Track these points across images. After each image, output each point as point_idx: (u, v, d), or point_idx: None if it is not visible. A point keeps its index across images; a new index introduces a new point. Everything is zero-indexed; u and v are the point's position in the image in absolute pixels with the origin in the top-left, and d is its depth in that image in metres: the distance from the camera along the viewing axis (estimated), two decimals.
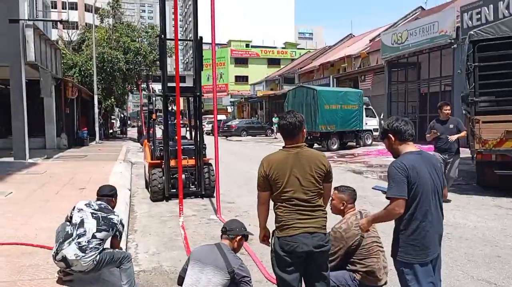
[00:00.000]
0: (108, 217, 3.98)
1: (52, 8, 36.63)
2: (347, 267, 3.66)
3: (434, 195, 2.97)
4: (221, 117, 40.00)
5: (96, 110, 25.50)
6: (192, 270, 3.25)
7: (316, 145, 20.14)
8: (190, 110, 10.72)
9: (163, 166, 8.67)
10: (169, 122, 8.90)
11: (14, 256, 4.67)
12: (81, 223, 3.86)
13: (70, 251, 3.70)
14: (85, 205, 4.03)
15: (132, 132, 39.20)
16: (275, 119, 30.03)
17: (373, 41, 32.06)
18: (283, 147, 3.15)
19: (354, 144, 21.21)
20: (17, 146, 13.85)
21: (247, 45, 65.28)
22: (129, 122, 51.79)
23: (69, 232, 3.83)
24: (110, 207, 4.13)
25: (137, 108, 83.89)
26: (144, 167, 10.65)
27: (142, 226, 6.84)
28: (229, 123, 35.32)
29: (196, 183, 8.92)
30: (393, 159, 3.08)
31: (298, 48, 69.55)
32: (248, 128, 33.57)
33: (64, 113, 20.78)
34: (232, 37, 63.33)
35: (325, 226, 3.12)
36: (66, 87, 20.71)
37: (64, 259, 3.72)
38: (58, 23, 24.78)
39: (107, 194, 4.24)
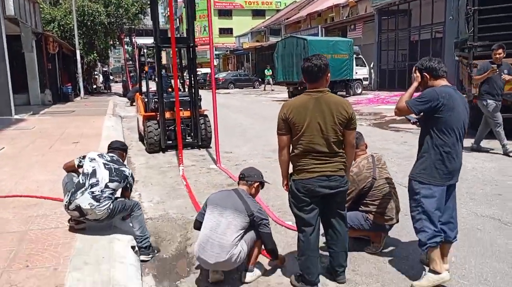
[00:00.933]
0: (120, 169, 3.98)
1: None
2: (360, 208, 3.70)
3: (462, 129, 3.10)
4: (206, 70, 39.35)
5: (79, 65, 24.73)
6: (212, 214, 3.24)
7: None
8: (182, 62, 10.44)
9: (158, 118, 8.52)
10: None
11: (20, 208, 4.61)
12: (93, 172, 3.83)
13: (84, 200, 3.67)
14: (98, 155, 4.02)
15: (116, 87, 38.41)
16: (267, 72, 29.50)
17: None
18: (305, 91, 3.06)
19: (344, 93, 21.15)
20: (2, 102, 13.46)
21: None
22: (111, 77, 50.59)
23: (81, 182, 3.80)
24: (121, 160, 4.14)
25: (118, 63, 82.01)
26: (137, 120, 10.47)
27: (142, 177, 6.78)
28: (216, 76, 34.74)
29: (192, 134, 8.83)
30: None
31: None
32: (236, 80, 33.16)
33: (47, 69, 20.11)
34: None
35: (343, 169, 3.09)
36: (47, 42, 19.92)
37: (78, 208, 3.69)
38: None
39: (120, 147, 4.30)
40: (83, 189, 3.74)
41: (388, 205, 3.63)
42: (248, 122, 13.15)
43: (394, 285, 3.21)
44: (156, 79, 8.76)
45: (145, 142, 8.80)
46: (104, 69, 46.36)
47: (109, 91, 34.38)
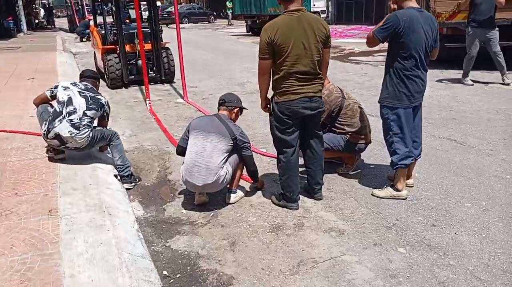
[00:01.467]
0: (96, 97, 3.95)
1: None
2: (336, 132, 3.91)
3: (424, 50, 3.21)
4: (158, 4, 37.31)
5: None
6: (196, 139, 3.33)
7: None
8: None
9: (118, 51, 8.23)
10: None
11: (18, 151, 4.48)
12: (69, 100, 3.78)
13: (64, 128, 3.65)
14: (71, 83, 3.95)
15: (60, 22, 35.94)
16: (229, 4, 28.33)
17: None
18: (284, 11, 3.08)
19: None
20: None
21: None
22: (54, 11, 47.00)
23: (58, 110, 3.74)
24: (95, 89, 4.08)
25: None
26: (94, 54, 10.04)
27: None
28: (169, 9, 33.14)
29: (155, 68, 8.63)
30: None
31: None
32: (190, 14, 31.86)
33: None
34: None
35: (321, 90, 3.26)
36: None
37: (58, 136, 3.67)
38: None
39: (92, 76, 4.25)
40: (61, 117, 3.71)
41: (361, 124, 3.87)
42: (209, 57, 12.94)
43: (366, 199, 3.52)
44: (113, 10, 8.34)
45: (106, 77, 8.53)
46: (44, 1, 42.79)
47: (53, 26, 32.11)
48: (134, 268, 2.38)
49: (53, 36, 21.26)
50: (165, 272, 2.61)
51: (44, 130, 3.73)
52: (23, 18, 22.98)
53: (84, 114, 3.77)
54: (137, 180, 4.04)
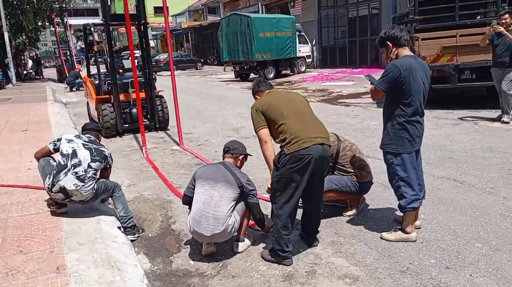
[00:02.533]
0: (100, 149, 3.97)
1: None
2: (340, 174, 3.95)
3: (422, 96, 3.32)
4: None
5: (9, 49, 23.05)
6: (203, 187, 3.31)
7: (252, 75, 20.17)
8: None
9: (112, 101, 8.30)
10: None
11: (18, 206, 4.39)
12: (74, 153, 3.77)
13: (68, 181, 3.61)
14: (75, 136, 3.98)
15: (48, 73, 36.24)
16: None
17: None
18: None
19: (289, 71, 21.51)
20: None
21: None
22: (42, 62, 47.51)
23: (62, 163, 3.72)
24: (98, 141, 4.11)
25: (45, 47, 76.82)
26: (88, 104, 10.08)
27: None
28: (157, 57, 33.78)
29: (149, 116, 8.69)
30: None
31: None
32: (178, 62, 32.33)
33: None
34: None
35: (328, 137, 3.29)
36: None
37: (63, 189, 3.62)
38: None
39: (94, 128, 4.29)
40: (66, 169, 3.68)
41: (362, 162, 3.92)
42: (200, 103, 13.08)
43: (375, 242, 3.50)
44: (108, 60, 8.48)
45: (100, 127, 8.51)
46: (33, 53, 43.34)
47: (41, 77, 32.35)
48: None
49: (43, 86, 21.36)
50: None
51: (48, 184, 3.69)
52: (12, 69, 23.12)
53: (89, 166, 3.77)
54: (140, 231, 3.97)
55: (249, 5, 34.85)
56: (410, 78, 3.18)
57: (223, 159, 3.62)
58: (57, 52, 29.89)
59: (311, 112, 3.32)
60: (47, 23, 30.12)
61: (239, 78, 20.68)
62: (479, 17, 8.96)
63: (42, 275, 2.79)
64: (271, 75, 19.79)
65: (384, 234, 3.54)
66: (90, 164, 3.78)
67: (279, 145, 3.18)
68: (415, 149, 3.40)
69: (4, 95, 16.48)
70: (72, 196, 3.70)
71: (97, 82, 8.98)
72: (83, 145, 3.87)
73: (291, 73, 21.40)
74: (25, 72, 32.63)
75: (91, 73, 9.82)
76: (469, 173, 5.07)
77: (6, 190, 4.62)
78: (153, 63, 32.25)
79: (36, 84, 24.00)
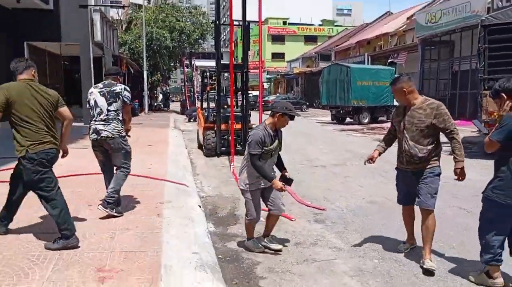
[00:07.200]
0: (111, 89, 4.64)
1: None
2: None
3: None
4: (257, 93, 41.46)
5: (146, 84, 27.79)
6: None
7: (348, 119, 21.62)
8: (237, 84, 12.52)
9: (215, 128, 10.58)
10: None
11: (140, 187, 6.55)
12: (95, 103, 4.66)
13: (100, 126, 4.65)
14: (93, 87, 4.85)
15: (174, 106, 41.63)
16: None
17: (410, 19, 32.57)
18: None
19: (385, 118, 22.48)
20: (87, 114, 16.15)
21: (284, 23, 65.88)
22: (170, 96, 54.40)
23: (91, 113, 4.72)
24: (113, 82, 4.77)
25: (174, 83, 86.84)
26: (197, 131, 12.62)
27: (202, 172, 8.79)
28: (266, 98, 36.94)
29: (242, 143, 10.78)
30: None
31: (336, 25, 69.53)
32: None
33: None
34: (269, 14, 63.94)
35: None
36: (121, 64, 22.98)
37: (95, 129, 4.67)
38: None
39: (113, 73, 4.93)
40: (94, 118, 4.65)
41: None
42: (291, 139, 14.83)
43: None
44: (216, 98, 10.87)
45: (203, 148, 10.86)
46: (164, 89, 50.04)
47: (168, 109, 37.50)
48: None
49: (167, 116, 25.33)
50: None
51: (88, 130, 4.77)
52: (146, 101, 27.74)
53: (108, 110, 4.59)
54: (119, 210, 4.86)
55: (358, 54, 36.57)
56: None
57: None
58: (183, 89, 34.57)
59: None
60: (178, 64, 35.23)
61: (335, 121, 22.27)
62: None
63: (147, 218, 4.80)
64: (366, 121, 21.05)
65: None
66: (108, 108, 4.56)
67: None
68: None
69: (137, 121, 20.23)
70: (102, 133, 4.60)
71: (206, 114, 11.43)
72: (99, 92, 4.62)
73: (387, 120, 22.30)
74: (155, 104, 38.15)
75: (205, 106, 12.38)
76: None
77: (135, 178, 6.92)
78: (262, 103, 35.08)
79: (163, 114, 28.34)
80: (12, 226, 4.27)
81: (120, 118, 4.71)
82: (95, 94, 4.67)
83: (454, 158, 3.81)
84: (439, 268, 3.90)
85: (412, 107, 3.90)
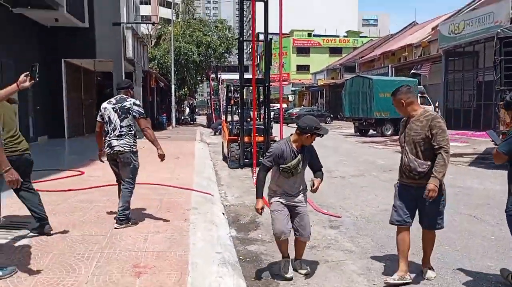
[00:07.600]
0: (122, 105, 4.76)
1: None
2: None
3: None
4: (282, 105, 41.94)
5: (173, 98, 28.77)
6: None
7: (371, 131, 21.82)
8: (260, 98, 13.05)
9: (239, 141, 11.10)
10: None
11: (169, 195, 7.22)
12: (109, 119, 4.83)
13: (113, 142, 4.87)
14: (107, 103, 4.93)
15: (200, 119, 42.60)
16: None
17: (435, 30, 32.52)
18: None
19: None
20: None
21: (309, 35, 66.40)
22: (196, 110, 55.69)
23: (106, 130, 4.88)
24: (125, 97, 4.88)
25: (201, 97, 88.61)
26: (222, 143, 13.20)
27: (226, 183, 9.31)
28: (290, 111, 37.48)
29: (264, 155, 11.25)
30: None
31: (361, 37, 69.61)
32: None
33: (149, 101, 24.09)
34: (294, 26, 64.49)
35: None
36: (150, 78, 23.98)
37: (109, 144, 4.89)
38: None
39: (124, 86, 5.01)
40: (109, 134, 4.81)
41: None
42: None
43: None
44: (239, 111, 11.41)
45: (228, 160, 11.41)
46: (191, 102, 51.31)
47: (194, 122, 38.48)
48: None
49: (194, 130, 26.14)
50: None
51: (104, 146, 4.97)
52: (173, 115, 28.68)
53: (121, 126, 4.76)
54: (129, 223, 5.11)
55: (382, 66, 36.68)
56: None
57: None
58: (209, 103, 35.46)
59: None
60: (204, 78, 36.21)
61: (358, 133, 22.51)
62: None
63: (176, 222, 5.33)
64: (389, 133, 21.19)
65: None
66: (121, 124, 4.73)
67: None
68: None
69: (165, 134, 21.08)
70: (114, 148, 4.79)
71: (230, 127, 12.00)
72: (112, 108, 4.76)
73: None
74: (182, 117, 39.23)
75: (230, 119, 12.94)
76: None
77: (164, 187, 7.51)
78: (286, 116, 35.66)
79: (190, 128, 29.22)
80: (57, 229, 4.87)
81: (133, 133, 4.91)
82: (109, 110, 4.83)
83: (432, 173, 3.56)
84: (441, 268, 4.25)
85: (411, 119, 3.77)
